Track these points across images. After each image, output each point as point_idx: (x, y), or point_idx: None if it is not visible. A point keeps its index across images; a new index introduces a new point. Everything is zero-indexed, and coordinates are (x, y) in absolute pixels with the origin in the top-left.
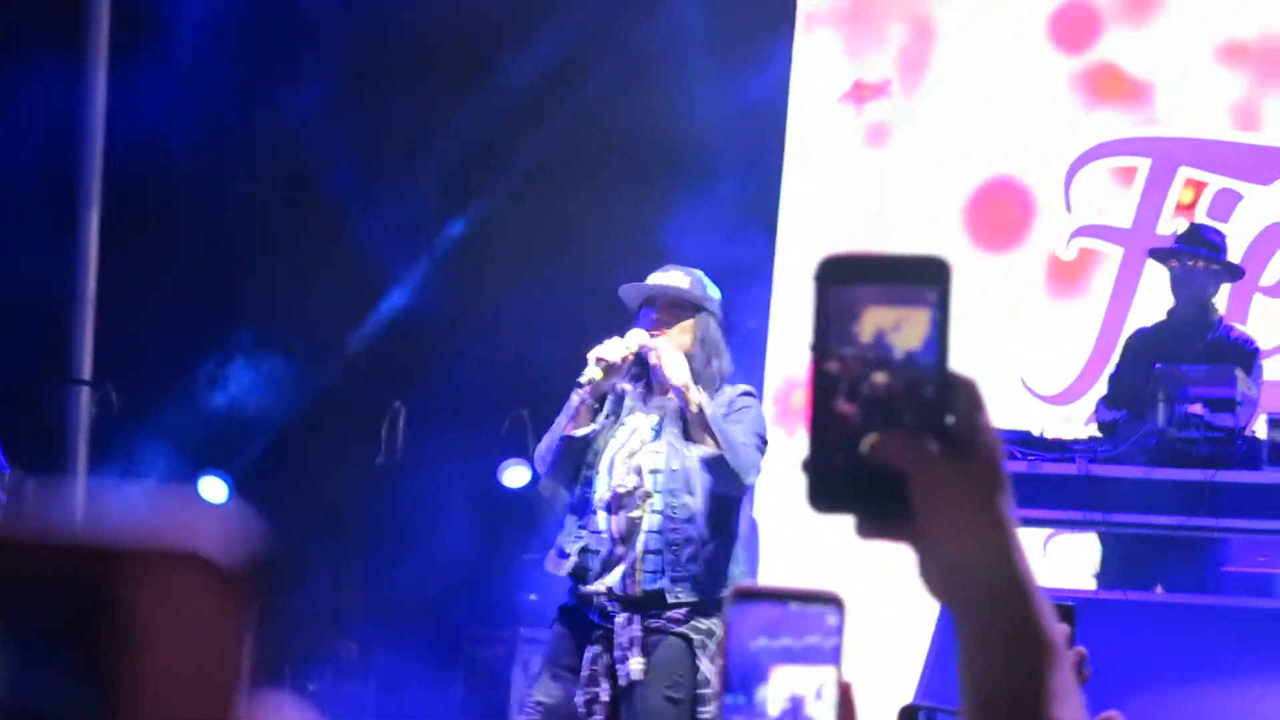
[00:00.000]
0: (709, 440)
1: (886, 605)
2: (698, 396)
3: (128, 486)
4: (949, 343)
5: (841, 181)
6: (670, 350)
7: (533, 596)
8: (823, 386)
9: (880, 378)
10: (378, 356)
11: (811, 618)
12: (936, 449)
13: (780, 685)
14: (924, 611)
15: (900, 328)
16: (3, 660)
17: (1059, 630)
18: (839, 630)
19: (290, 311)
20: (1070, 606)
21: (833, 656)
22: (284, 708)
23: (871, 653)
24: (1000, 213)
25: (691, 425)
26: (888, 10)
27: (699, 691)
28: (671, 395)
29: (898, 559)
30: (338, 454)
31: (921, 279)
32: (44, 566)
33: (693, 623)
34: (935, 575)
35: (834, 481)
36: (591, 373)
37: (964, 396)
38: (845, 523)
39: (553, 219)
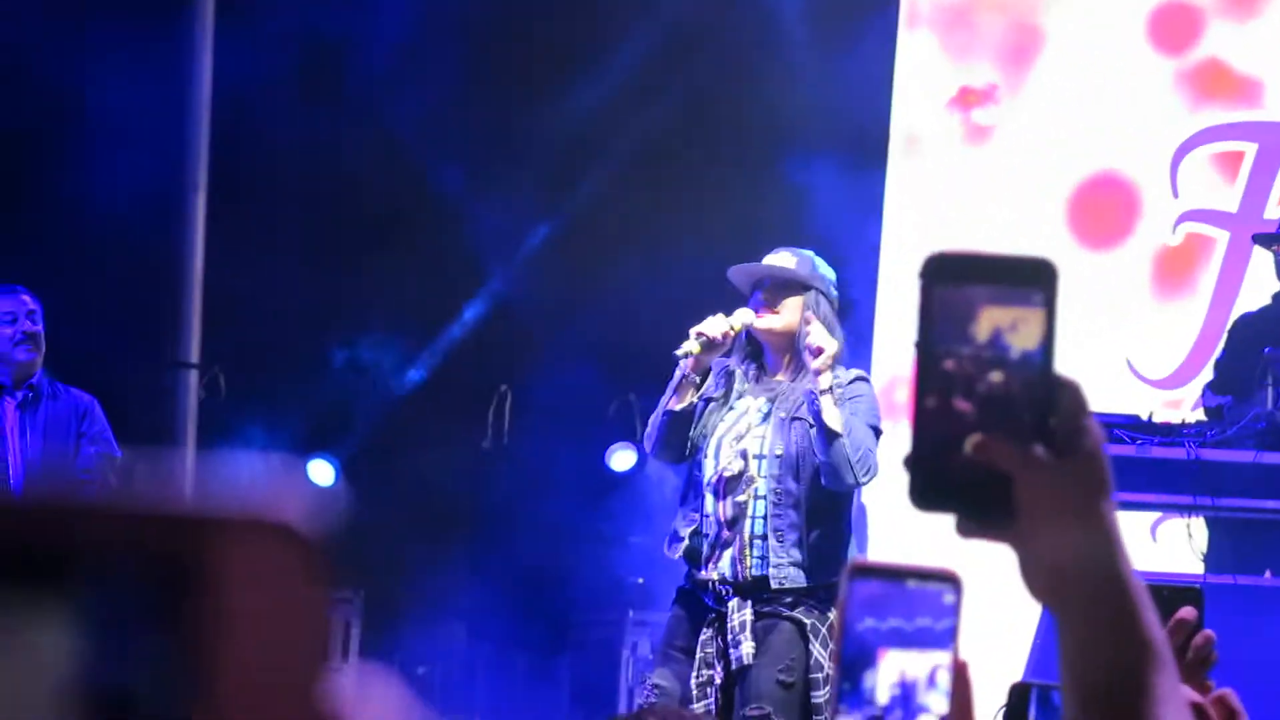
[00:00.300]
0: (836, 425)
1: (996, 582)
2: (829, 380)
3: (225, 457)
4: (1056, 344)
5: (946, 177)
6: (823, 332)
7: (640, 580)
8: (930, 382)
9: (997, 376)
10: (484, 340)
11: (927, 597)
12: (1042, 451)
13: (889, 670)
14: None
15: (1017, 327)
16: (86, 633)
17: (1162, 633)
18: (955, 610)
19: (397, 295)
20: (1198, 590)
21: (947, 639)
22: (373, 681)
23: (983, 630)
24: (1105, 208)
25: (822, 407)
26: (989, 10)
27: (811, 675)
28: (783, 377)
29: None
30: (445, 438)
31: (1030, 280)
32: (126, 535)
33: (805, 607)
34: (1037, 576)
35: (936, 479)
36: (689, 346)
37: (1068, 398)
38: (946, 519)
39: (658, 203)
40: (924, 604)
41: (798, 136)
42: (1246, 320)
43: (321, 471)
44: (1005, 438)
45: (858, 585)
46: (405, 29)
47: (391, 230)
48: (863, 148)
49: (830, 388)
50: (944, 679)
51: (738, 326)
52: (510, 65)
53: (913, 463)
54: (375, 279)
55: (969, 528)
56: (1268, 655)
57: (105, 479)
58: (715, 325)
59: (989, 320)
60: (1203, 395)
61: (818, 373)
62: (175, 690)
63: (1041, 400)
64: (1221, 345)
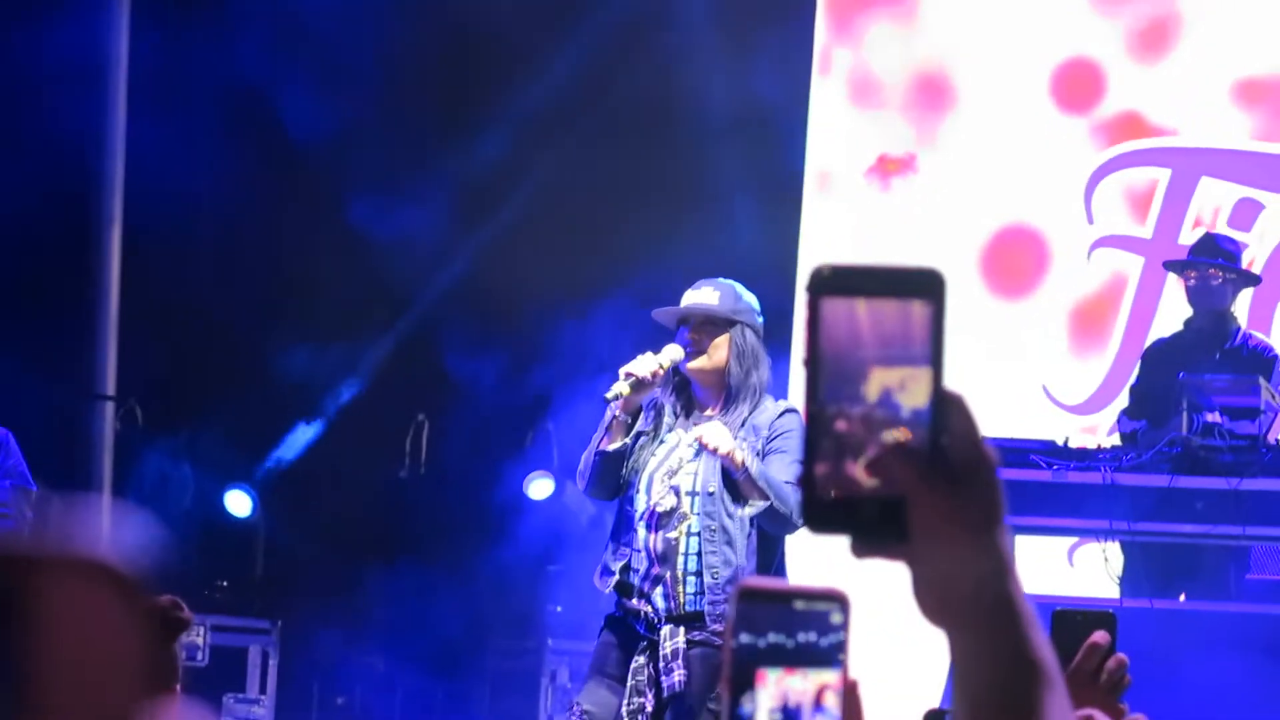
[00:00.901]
0: (757, 496)
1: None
2: (741, 456)
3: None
4: (944, 357)
5: (859, 220)
6: (710, 429)
7: (558, 608)
8: (821, 400)
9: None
10: (400, 371)
11: (814, 617)
12: (938, 472)
13: (769, 693)
14: None
15: (905, 386)
16: None
17: (1051, 655)
18: (843, 629)
19: (312, 326)
20: (1112, 614)
21: (834, 658)
22: (188, 712)
23: (897, 657)
24: (1017, 251)
25: (740, 485)
26: (898, 69)
27: None
28: (712, 412)
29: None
30: (363, 467)
31: (917, 291)
32: None
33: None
34: (928, 596)
35: (829, 502)
36: (618, 388)
37: (959, 419)
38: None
39: (570, 238)
40: (809, 623)
41: (718, 171)
42: (1160, 346)
43: (239, 503)
44: (902, 456)
45: (743, 608)
46: (322, 59)
47: (306, 260)
48: (779, 186)
49: (745, 467)
50: (832, 702)
51: (666, 364)
52: (427, 94)
53: (806, 483)
54: (292, 310)
55: (863, 548)
56: (1182, 679)
57: (20, 512)
58: (644, 365)
59: (879, 381)
60: (1118, 421)
61: (730, 463)
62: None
63: (935, 420)
64: (1136, 371)
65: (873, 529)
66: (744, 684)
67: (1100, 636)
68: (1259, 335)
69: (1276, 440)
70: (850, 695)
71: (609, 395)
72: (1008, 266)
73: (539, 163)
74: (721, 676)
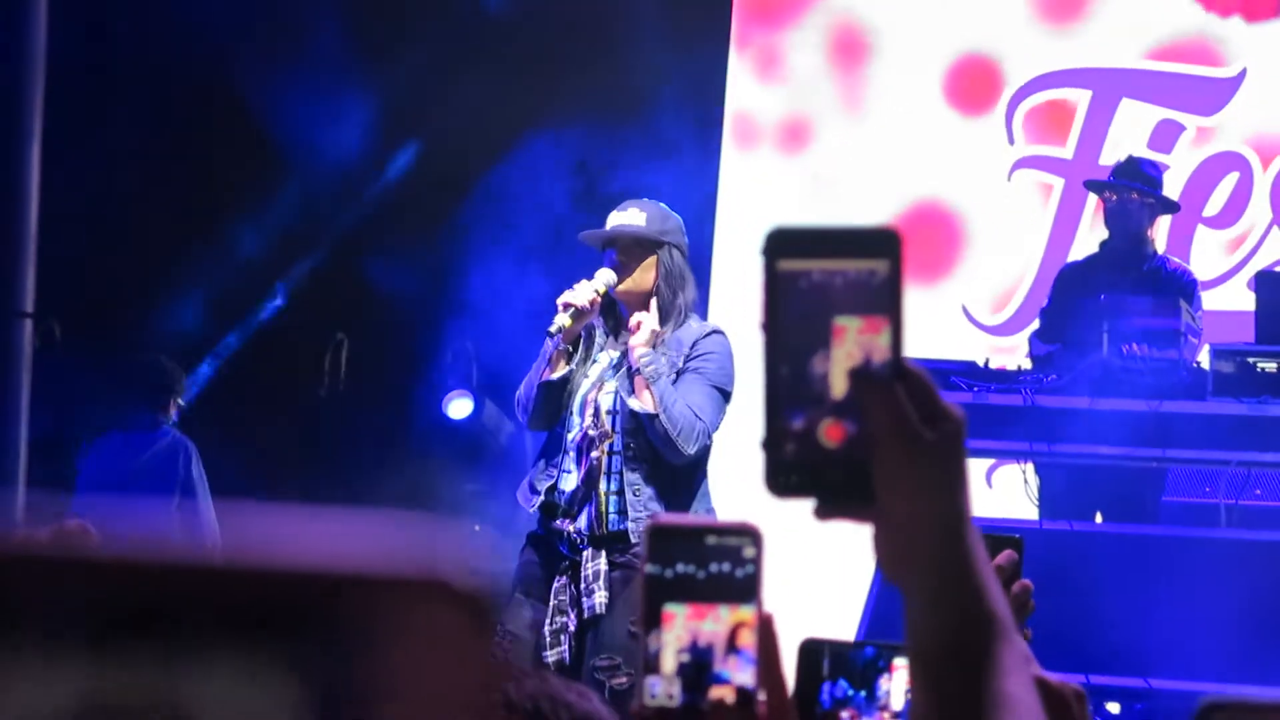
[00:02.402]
0: (648, 398)
1: (829, 546)
2: (646, 352)
3: (357, 515)
4: (903, 314)
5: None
6: (647, 318)
7: (477, 527)
8: (780, 367)
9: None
10: (321, 289)
11: (725, 551)
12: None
13: (676, 632)
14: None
15: (867, 343)
16: (235, 692)
17: (1006, 607)
18: (756, 563)
19: (233, 243)
20: (1019, 539)
21: (748, 593)
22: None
23: (817, 592)
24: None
25: (635, 381)
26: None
27: None
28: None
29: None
30: (281, 388)
31: (874, 251)
32: (274, 595)
33: None
34: (891, 553)
35: (791, 464)
36: (561, 320)
37: (916, 382)
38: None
39: (489, 150)
40: (721, 556)
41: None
42: (1073, 268)
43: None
44: (874, 403)
45: (654, 542)
46: None
47: (231, 175)
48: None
49: (639, 368)
50: (748, 640)
51: (602, 289)
52: (357, 11)
53: (770, 447)
54: (213, 228)
55: (827, 510)
56: (1100, 601)
57: None
58: (581, 294)
59: (836, 324)
60: (1029, 343)
61: (629, 352)
62: None
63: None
64: (1048, 295)
65: (838, 491)
66: (652, 621)
67: (1004, 558)
68: (1176, 260)
69: (1195, 363)
70: (765, 630)
71: (552, 330)
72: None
73: (463, 82)
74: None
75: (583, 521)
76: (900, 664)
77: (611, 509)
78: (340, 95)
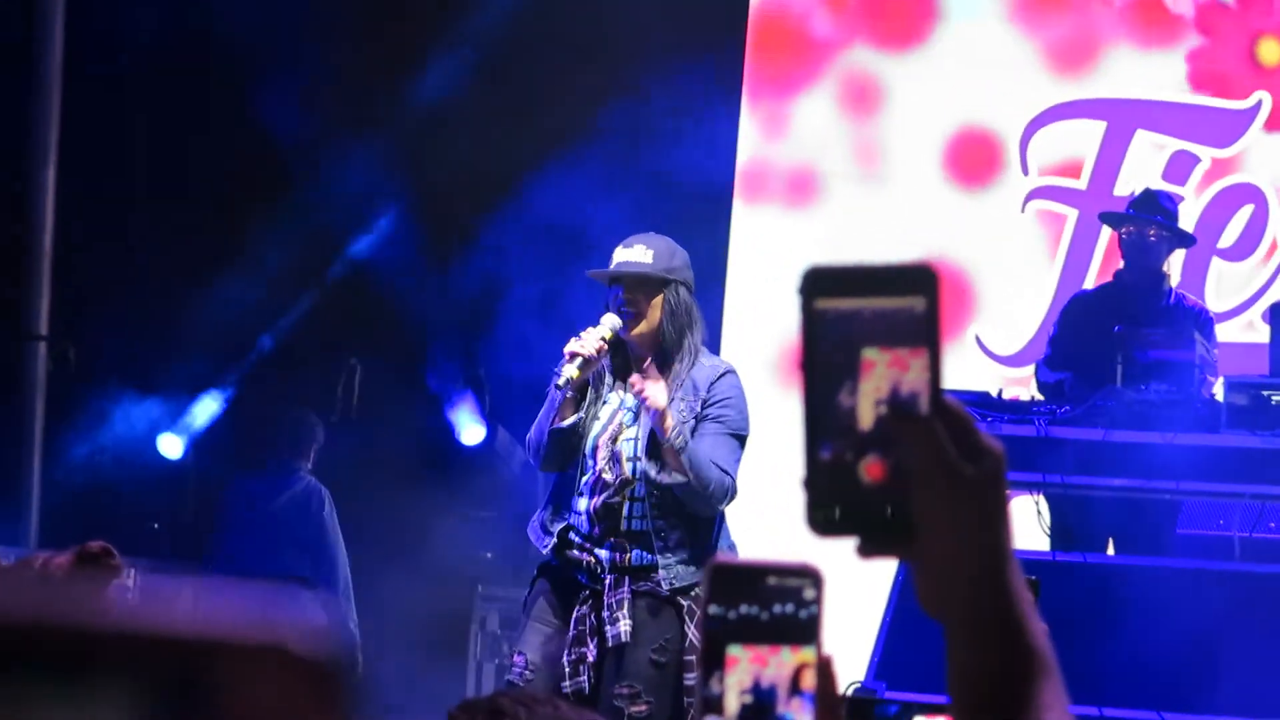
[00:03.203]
0: (677, 469)
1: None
2: (673, 422)
3: (215, 579)
4: (940, 350)
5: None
6: (652, 386)
7: (489, 554)
8: (820, 406)
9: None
10: (334, 314)
11: (786, 592)
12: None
13: (739, 673)
14: (878, 590)
15: (904, 380)
16: None
17: (1047, 642)
18: (817, 604)
19: (250, 266)
20: (1036, 580)
21: (809, 633)
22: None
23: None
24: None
25: (664, 452)
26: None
27: (685, 657)
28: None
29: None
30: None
31: (911, 288)
32: (134, 654)
33: (681, 587)
34: (932, 590)
35: (832, 503)
36: (569, 372)
37: (955, 420)
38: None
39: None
40: (784, 597)
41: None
42: (1084, 298)
43: (171, 445)
44: (914, 438)
45: (715, 583)
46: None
47: (243, 200)
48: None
49: (669, 442)
50: (810, 681)
51: (609, 336)
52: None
53: (810, 487)
54: (228, 250)
55: (870, 549)
56: (1113, 633)
57: None
58: (589, 343)
59: (864, 357)
60: (1037, 371)
61: (659, 424)
62: None
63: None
64: (1056, 323)
65: (879, 529)
66: (713, 662)
67: None
68: (1192, 296)
69: (1210, 396)
70: (825, 672)
71: (559, 382)
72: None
73: (475, 109)
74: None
75: (603, 554)
76: None
77: (634, 547)
78: (359, 111)
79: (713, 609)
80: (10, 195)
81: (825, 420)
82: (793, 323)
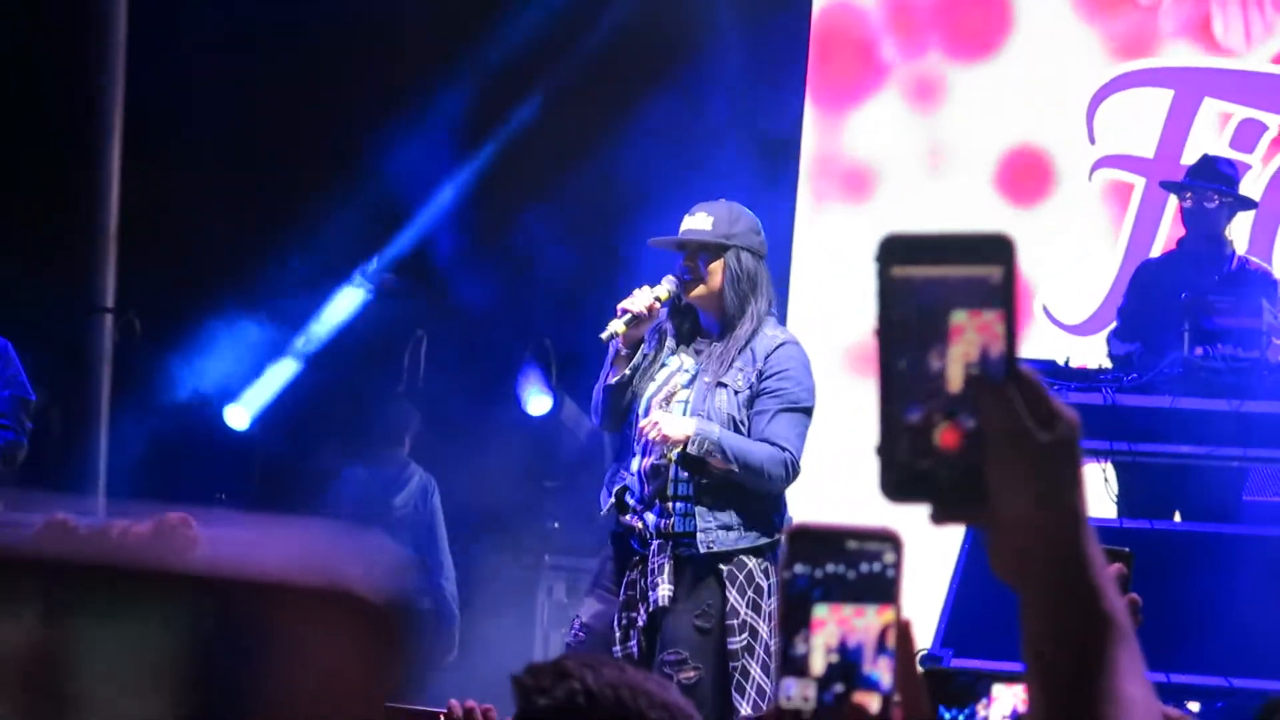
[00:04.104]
0: (722, 465)
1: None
2: (703, 439)
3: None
4: (1016, 321)
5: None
6: (667, 421)
7: (556, 524)
8: (896, 371)
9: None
10: (401, 285)
11: (867, 555)
12: (1029, 419)
13: (825, 633)
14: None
15: (980, 348)
16: (175, 682)
17: (1123, 607)
18: (897, 568)
19: (315, 239)
20: (1129, 553)
21: (890, 594)
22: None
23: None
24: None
25: (710, 467)
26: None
27: (727, 622)
28: (711, 338)
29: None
30: (360, 382)
31: (988, 257)
32: (206, 596)
33: (725, 553)
34: (1006, 556)
35: (908, 469)
36: (614, 326)
37: (1029, 388)
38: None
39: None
40: (867, 559)
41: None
42: (1150, 267)
43: (238, 416)
44: (993, 403)
45: (795, 545)
46: None
47: (308, 172)
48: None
49: (695, 453)
50: (892, 642)
51: (663, 296)
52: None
53: (884, 453)
54: (294, 223)
55: (943, 514)
56: (1181, 600)
57: (20, 423)
58: (640, 300)
59: (953, 321)
60: (1108, 343)
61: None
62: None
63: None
64: (1125, 293)
65: (953, 494)
66: (798, 622)
67: (1113, 571)
68: (1256, 260)
69: (1277, 362)
70: (904, 635)
71: (604, 335)
72: (1014, 187)
73: (537, 91)
74: (748, 604)
75: (650, 518)
76: (999, 693)
77: (679, 511)
78: (425, 92)
79: (798, 568)
80: (74, 169)
81: (912, 383)
82: (852, 320)
